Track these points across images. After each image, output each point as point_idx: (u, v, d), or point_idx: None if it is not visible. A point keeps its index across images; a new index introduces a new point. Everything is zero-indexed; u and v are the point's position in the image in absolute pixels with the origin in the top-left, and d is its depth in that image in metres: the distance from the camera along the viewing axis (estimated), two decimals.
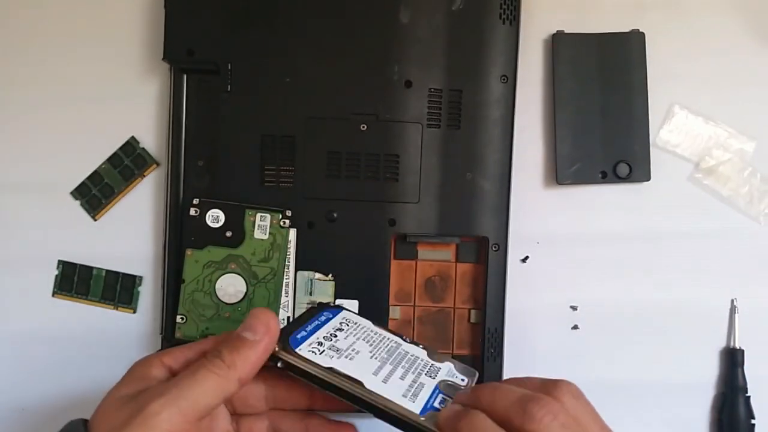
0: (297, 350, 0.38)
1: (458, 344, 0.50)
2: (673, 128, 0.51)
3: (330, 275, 0.49)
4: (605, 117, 0.50)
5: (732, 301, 0.51)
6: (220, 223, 0.48)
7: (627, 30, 0.50)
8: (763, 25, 0.51)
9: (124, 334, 0.51)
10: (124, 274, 0.51)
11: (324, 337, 0.41)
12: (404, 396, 0.38)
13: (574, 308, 0.51)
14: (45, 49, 0.51)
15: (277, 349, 0.37)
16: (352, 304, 0.48)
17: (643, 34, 0.50)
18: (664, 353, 0.51)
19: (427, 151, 0.49)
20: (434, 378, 0.40)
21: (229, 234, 0.48)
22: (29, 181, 0.51)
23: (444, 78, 0.49)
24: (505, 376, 0.49)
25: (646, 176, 0.50)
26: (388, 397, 0.37)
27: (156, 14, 0.50)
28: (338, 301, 0.48)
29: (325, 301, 0.48)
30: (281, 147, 0.49)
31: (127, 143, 0.51)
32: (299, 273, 0.49)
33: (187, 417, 0.34)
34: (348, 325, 0.43)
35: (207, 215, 0.48)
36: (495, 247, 0.49)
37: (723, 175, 0.51)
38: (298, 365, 0.38)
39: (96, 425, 0.35)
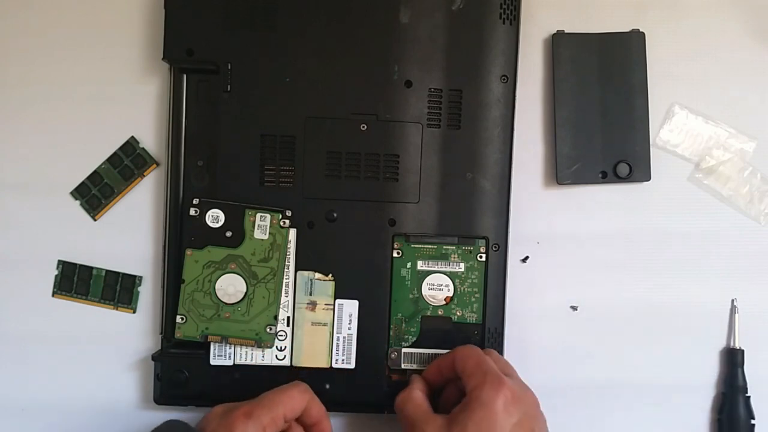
0: None
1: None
2: (673, 128, 0.51)
3: (330, 275, 0.49)
4: (605, 117, 0.50)
5: (732, 301, 0.51)
6: (220, 223, 0.48)
7: (627, 30, 0.50)
8: (762, 25, 0.51)
9: (124, 334, 0.51)
10: (124, 274, 0.51)
11: None
12: None
13: (574, 308, 0.51)
14: (45, 48, 0.51)
15: None
16: (352, 304, 0.48)
17: (643, 34, 0.50)
18: (664, 353, 0.51)
19: (427, 151, 0.49)
20: None
21: (229, 234, 0.48)
22: (29, 181, 0.51)
23: (444, 78, 0.49)
24: None
25: (646, 176, 0.50)
26: None
27: (156, 14, 0.50)
28: (338, 301, 0.48)
29: (324, 302, 0.48)
30: (281, 147, 0.49)
31: (127, 143, 0.51)
32: (299, 273, 0.49)
33: None
34: None
35: (207, 215, 0.48)
36: (495, 247, 0.49)
37: (723, 175, 0.51)
38: None
39: None
